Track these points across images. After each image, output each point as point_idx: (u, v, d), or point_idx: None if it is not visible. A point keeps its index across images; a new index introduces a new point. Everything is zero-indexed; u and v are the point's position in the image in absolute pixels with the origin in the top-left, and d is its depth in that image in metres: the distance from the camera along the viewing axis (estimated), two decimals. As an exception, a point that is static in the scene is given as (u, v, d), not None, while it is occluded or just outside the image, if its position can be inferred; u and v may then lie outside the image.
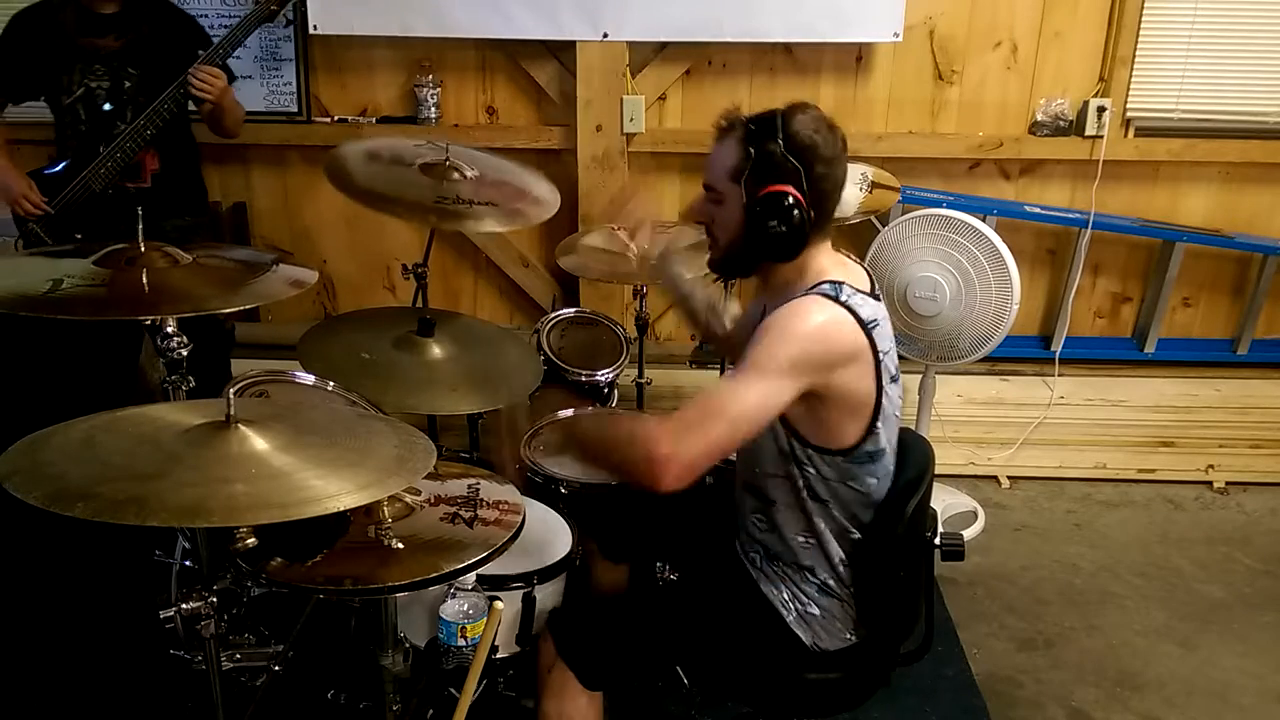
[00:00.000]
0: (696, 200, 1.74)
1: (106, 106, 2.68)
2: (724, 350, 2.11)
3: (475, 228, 2.66)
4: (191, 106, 2.75)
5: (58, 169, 2.69)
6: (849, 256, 1.76)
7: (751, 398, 1.54)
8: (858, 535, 1.73)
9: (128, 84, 2.69)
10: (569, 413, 2.40)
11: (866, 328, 1.60)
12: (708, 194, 1.70)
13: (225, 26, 2.93)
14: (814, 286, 1.63)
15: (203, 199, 3.01)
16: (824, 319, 1.57)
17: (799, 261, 1.66)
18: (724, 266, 1.76)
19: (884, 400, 1.64)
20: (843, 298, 1.60)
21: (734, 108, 1.68)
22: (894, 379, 1.68)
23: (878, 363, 1.62)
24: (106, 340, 2.85)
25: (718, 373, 3.21)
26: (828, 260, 1.68)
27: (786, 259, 1.65)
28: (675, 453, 1.51)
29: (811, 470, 1.68)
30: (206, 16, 3.34)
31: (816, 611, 1.74)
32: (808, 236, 1.62)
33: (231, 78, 2.73)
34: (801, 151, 1.58)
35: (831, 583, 1.74)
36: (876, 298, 1.68)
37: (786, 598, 1.75)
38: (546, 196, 2.60)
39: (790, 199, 1.58)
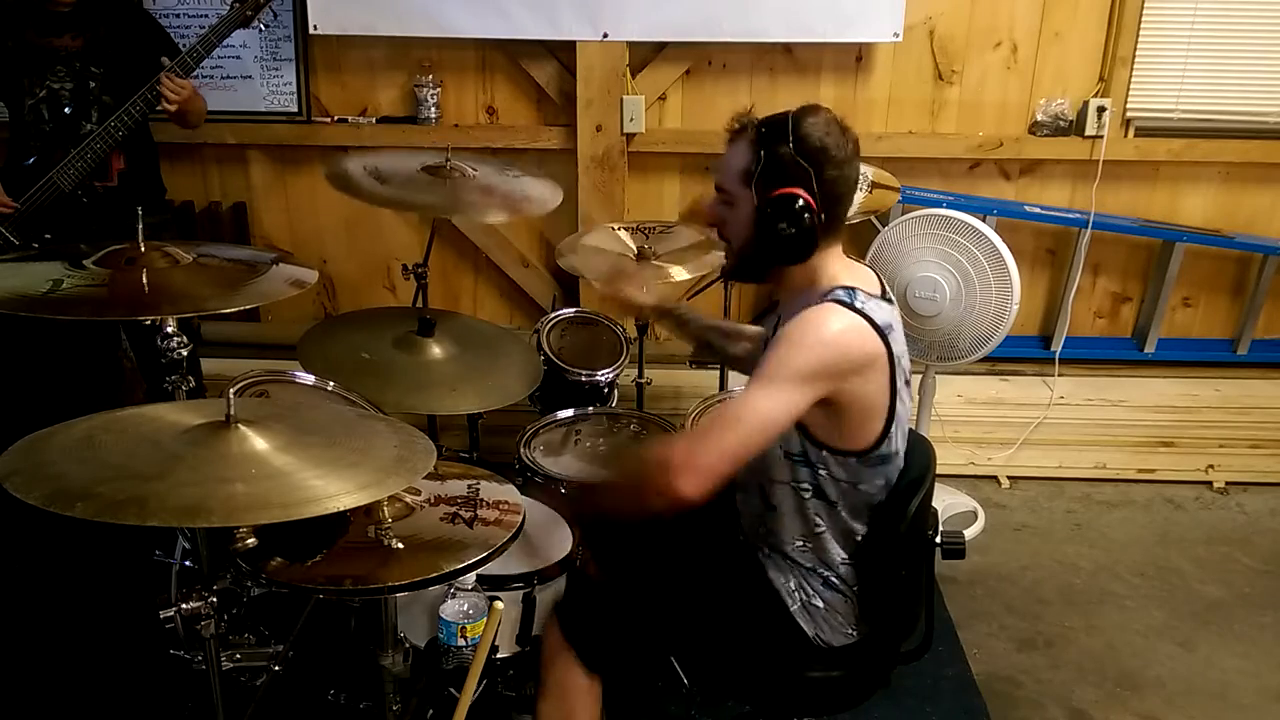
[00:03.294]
0: (705, 201, 1.75)
1: (67, 109, 2.66)
2: (731, 364, 2.12)
3: (478, 219, 2.66)
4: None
5: (28, 164, 2.67)
6: (858, 260, 1.75)
7: (765, 405, 1.55)
8: (860, 537, 1.73)
9: (92, 84, 2.67)
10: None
11: (882, 333, 1.60)
12: (719, 196, 1.70)
13: (200, 26, 2.89)
14: (828, 293, 1.63)
15: (162, 196, 3.01)
16: (841, 327, 1.57)
17: (811, 266, 1.67)
18: (738, 271, 1.77)
19: (898, 404, 1.65)
20: (858, 304, 1.60)
21: (746, 110, 1.69)
22: (906, 382, 1.68)
23: (893, 367, 1.62)
24: (88, 334, 2.85)
25: (717, 373, 3.20)
26: (839, 265, 1.68)
27: (797, 261, 1.65)
28: (690, 461, 1.52)
29: (824, 471, 1.68)
30: (179, 17, 3.34)
31: (820, 604, 1.74)
32: (818, 239, 1.62)
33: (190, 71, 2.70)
34: (812, 154, 1.59)
35: (835, 579, 1.74)
36: (889, 300, 1.69)
37: (793, 587, 1.75)
38: (547, 194, 2.60)
39: (800, 201, 1.58)
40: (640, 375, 2.97)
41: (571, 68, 3.36)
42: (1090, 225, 3.44)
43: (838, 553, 1.73)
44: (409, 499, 1.78)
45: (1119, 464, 3.48)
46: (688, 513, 1.99)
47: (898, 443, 1.70)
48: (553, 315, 2.93)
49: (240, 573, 1.69)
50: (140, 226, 1.96)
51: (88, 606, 2.58)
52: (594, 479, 1.67)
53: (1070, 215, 3.47)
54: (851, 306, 1.59)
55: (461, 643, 1.85)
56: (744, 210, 1.65)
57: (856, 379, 1.59)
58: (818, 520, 1.71)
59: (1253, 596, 2.87)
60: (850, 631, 1.76)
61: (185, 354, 1.93)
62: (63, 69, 2.66)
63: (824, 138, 1.60)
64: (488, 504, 1.82)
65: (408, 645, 1.80)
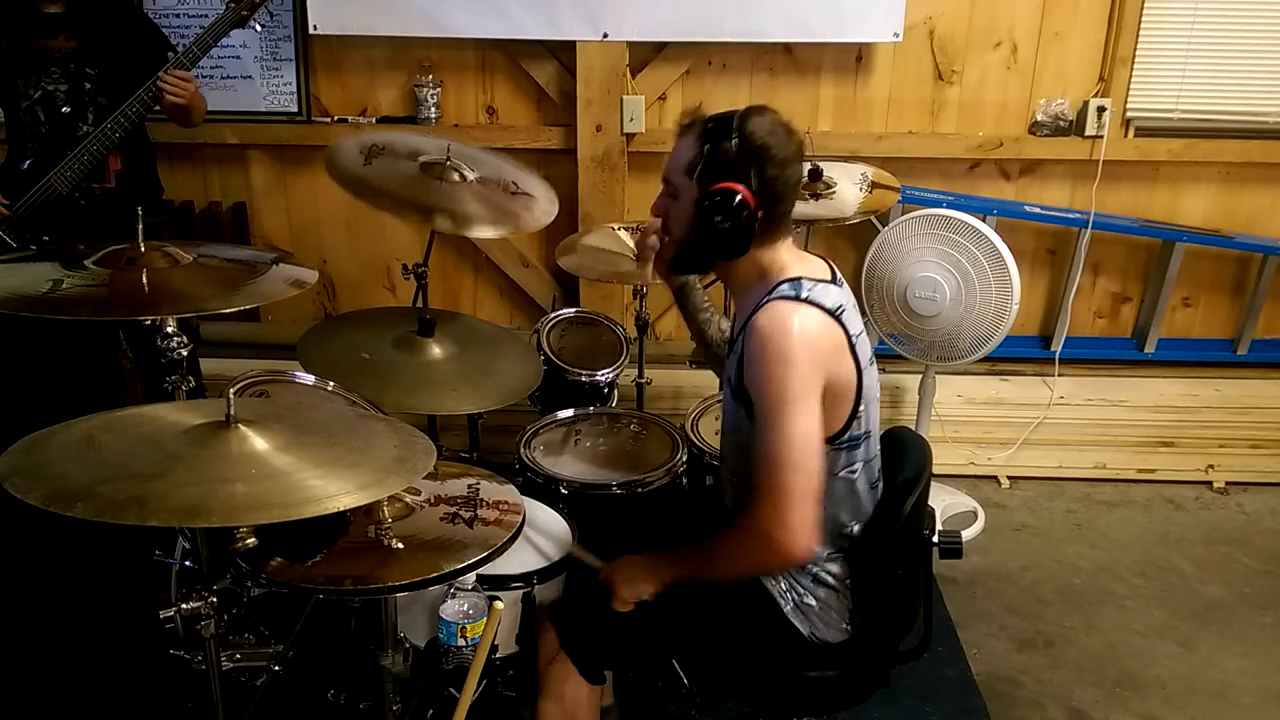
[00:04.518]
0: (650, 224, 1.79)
1: (65, 109, 2.65)
2: (708, 360, 2.13)
3: (472, 233, 2.65)
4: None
5: (24, 166, 2.67)
6: (810, 251, 1.79)
7: (799, 433, 1.58)
8: (853, 530, 1.74)
9: (88, 85, 2.66)
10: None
11: (835, 315, 1.64)
12: (665, 188, 1.75)
13: (200, 26, 2.89)
14: (773, 289, 1.66)
15: (160, 196, 3.01)
16: (801, 323, 1.60)
17: (757, 260, 1.70)
18: (678, 263, 1.80)
19: (864, 381, 1.68)
20: (804, 294, 1.64)
21: (695, 106, 1.73)
22: (870, 361, 1.71)
23: (853, 347, 1.65)
24: (87, 334, 2.85)
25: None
26: (787, 256, 1.72)
27: (733, 256, 1.69)
28: (788, 527, 1.57)
29: None
30: (179, 17, 3.35)
31: (813, 602, 1.75)
32: (754, 234, 1.65)
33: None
34: (754, 151, 1.63)
35: (825, 575, 1.75)
36: (838, 284, 1.71)
37: (784, 588, 1.76)
38: (545, 203, 2.59)
39: (739, 197, 1.62)
40: (640, 375, 2.97)
41: (571, 68, 3.36)
42: (1090, 225, 3.44)
43: (827, 546, 1.74)
44: (409, 499, 1.78)
45: (1119, 464, 3.48)
46: (674, 530, 2.00)
47: (868, 423, 1.72)
48: (553, 315, 2.93)
49: (240, 573, 1.69)
50: (140, 226, 1.96)
51: (88, 606, 2.58)
52: (682, 564, 1.73)
53: (1070, 215, 3.47)
54: (798, 298, 1.63)
55: (461, 643, 1.85)
56: (686, 202, 1.69)
57: (833, 366, 1.63)
58: None
59: (1253, 596, 2.87)
60: (845, 627, 1.77)
61: (185, 354, 1.93)
62: (57, 70, 2.66)
63: (767, 136, 1.63)
64: (488, 504, 1.81)
65: (408, 645, 1.80)
